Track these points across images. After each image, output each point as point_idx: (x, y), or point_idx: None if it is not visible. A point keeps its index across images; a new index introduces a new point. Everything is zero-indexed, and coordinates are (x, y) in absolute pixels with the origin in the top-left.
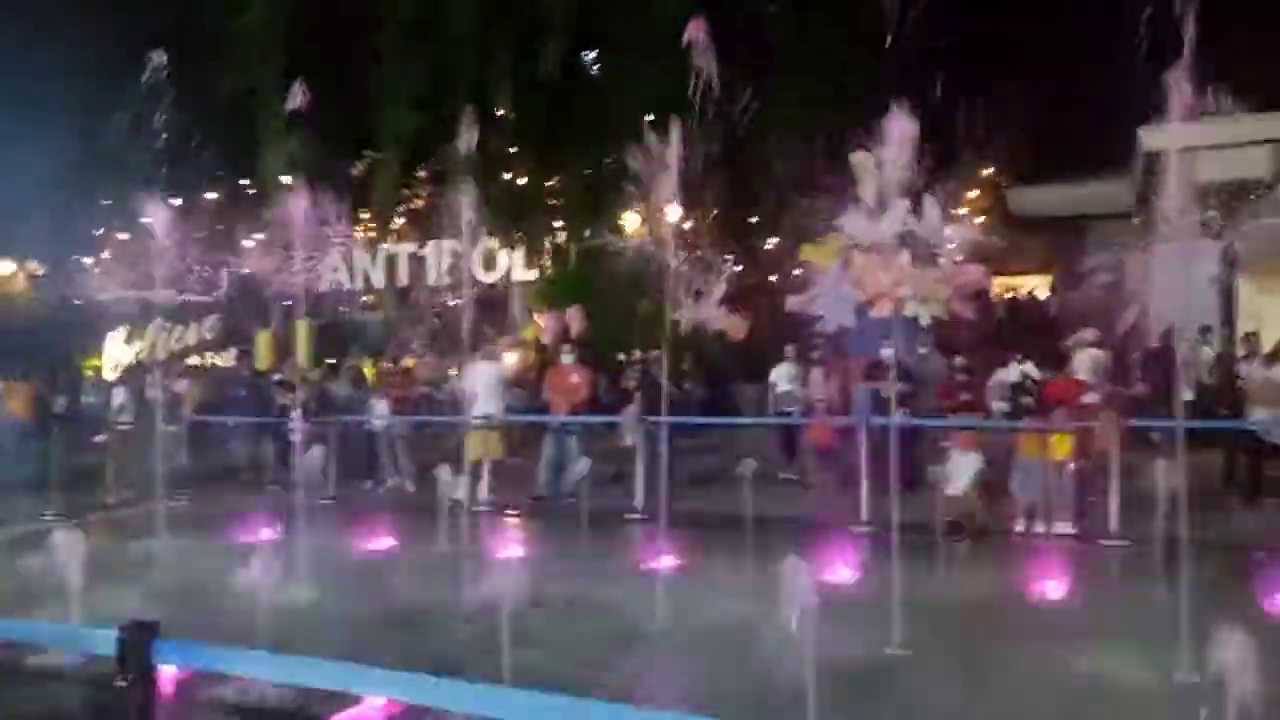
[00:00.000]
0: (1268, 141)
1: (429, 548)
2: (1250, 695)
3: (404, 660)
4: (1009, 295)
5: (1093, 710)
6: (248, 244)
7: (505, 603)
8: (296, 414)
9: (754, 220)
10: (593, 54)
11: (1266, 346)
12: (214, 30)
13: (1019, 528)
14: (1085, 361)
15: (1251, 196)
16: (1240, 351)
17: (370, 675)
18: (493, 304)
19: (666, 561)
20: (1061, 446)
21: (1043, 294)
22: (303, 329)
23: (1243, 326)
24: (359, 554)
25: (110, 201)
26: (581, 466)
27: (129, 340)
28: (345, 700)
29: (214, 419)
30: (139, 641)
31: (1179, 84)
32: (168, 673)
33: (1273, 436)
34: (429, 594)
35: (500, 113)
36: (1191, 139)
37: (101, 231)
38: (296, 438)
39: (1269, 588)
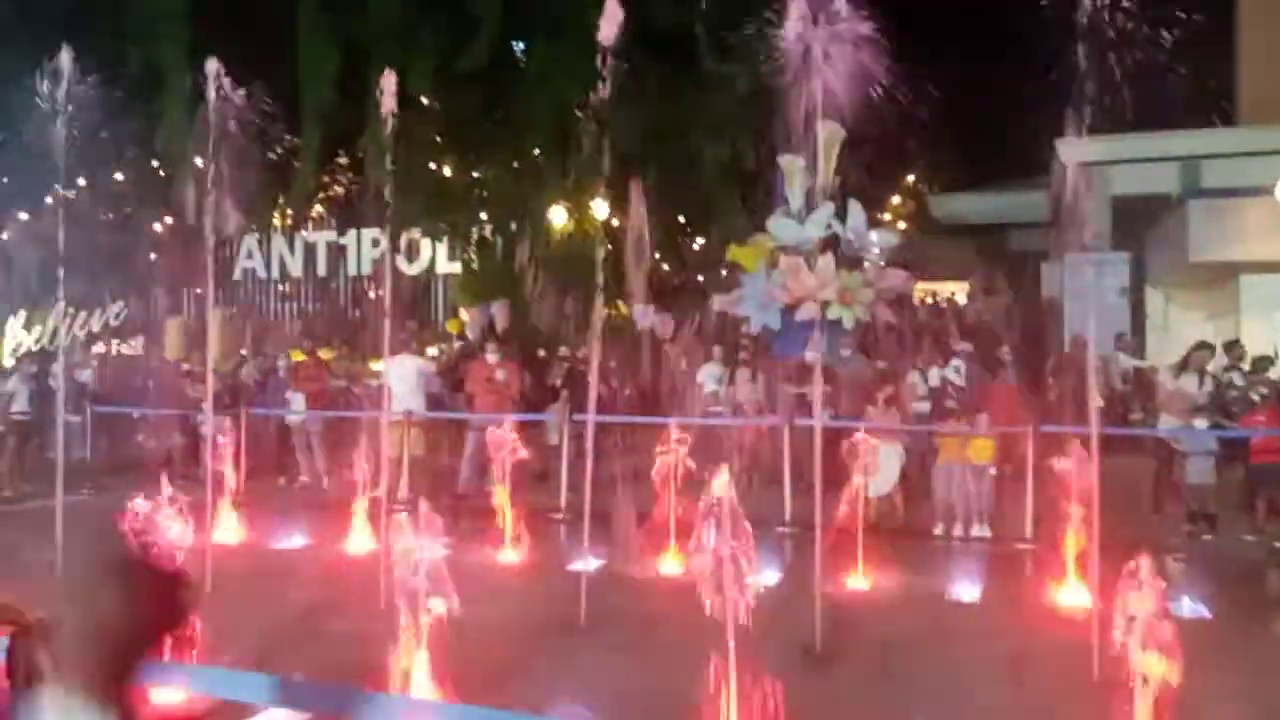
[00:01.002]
0: (1178, 158)
1: (341, 547)
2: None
3: (301, 665)
4: (930, 300)
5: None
6: (158, 228)
7: (415, 603)
8: (207, 405)
9: (681, 219)
10: (520, 45)
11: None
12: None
13: (937, 530)
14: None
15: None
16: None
17: (256, 682)
18: (414, 295)
19: (589, 560)
20: (982, 451)
21: (962, 299)
22: (215, 318)
23: (1151, 337)
24: (266, 553)
25: (7, 180)
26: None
27: (28, 325)
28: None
29: (120, 410)
30: (29, 648)
31: (1091, 99)
32: None
33: (1182, 445)
34: (333, 595)
35: (425, 101)
36: (1105, 153)
37: None
38: (206, 430)
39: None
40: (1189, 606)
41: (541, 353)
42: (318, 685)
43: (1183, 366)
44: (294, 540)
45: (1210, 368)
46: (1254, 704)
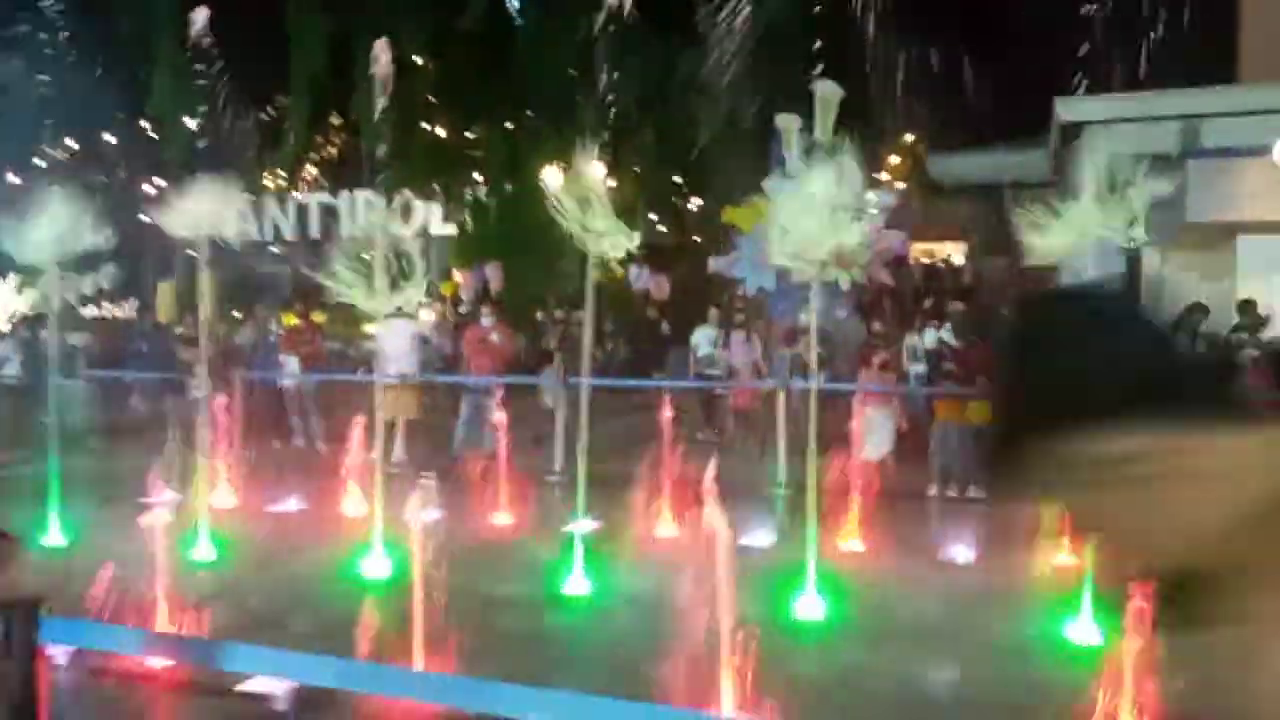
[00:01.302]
0: (1178, 117)
1: (336, 511)
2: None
3: (302, 632)
4: (926, 261)
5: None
6: (149, 188)
7: (411, 566)
8: (200, 370)
9: (677, 180)
10: (516, 5)
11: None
12: None
13: (932, 491)
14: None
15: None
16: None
17: (259, 655)
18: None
19: (583, 522)
20: (979, 412)
21: (959, 260)
22: (207, 280)
23: (1146, 296)
24: (262, 517)
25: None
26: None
27: (20, 289)
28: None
29: (113, 374)
30: (24, 620)
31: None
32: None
33: None
34: (332, 560)
35: (420, 61)
36: (1103, 113)
37: None
38: (199, 394)
39: None
40: None
41: (540, 315)
42: (302, 656)
43: (1175, 327)
44: (288, 504)
45: (1203, 328)
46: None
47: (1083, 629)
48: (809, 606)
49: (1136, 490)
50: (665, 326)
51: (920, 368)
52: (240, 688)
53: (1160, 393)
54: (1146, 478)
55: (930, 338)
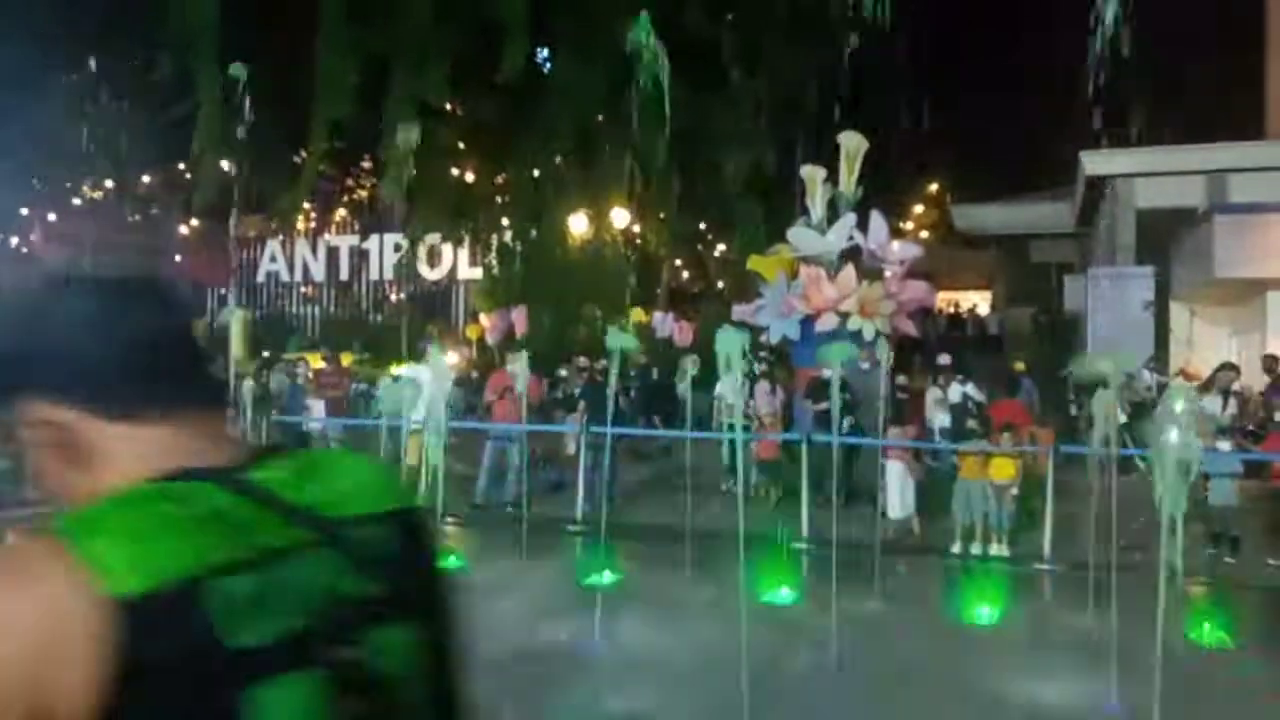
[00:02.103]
0: (1203, 172)
1: None
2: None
3: None
4: (951, 310)
5: None
6: (183, 229)
7: None
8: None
9: (702, 227)
10: (545, 53)
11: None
12: (153, 13)
13: (955, 548)
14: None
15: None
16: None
17: None
18: (434, 300)
19: (604, 575)
20: (1002, 470)
21: (984, 310)
22: (238, 320)
23: (1175, 353)
24: None
25: (41, 184)
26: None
27: None
28: None
29: None
30: None
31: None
32: None
33: (1204, 466)
34: None
35: (449, 107)
36: (1130, 166)
37: (27, 212)
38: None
39: (1186, 617)
40: (1209, 633)
41: (563, 371)
42: None
43: (1207, 386)
44: None
45: (1237, 386)
46: None
47: (1107, 692)
48: (830, 664)
49: None
50: (653, 372)
51: (944, 421)
52: None
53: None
54: None
55: (956, 392)
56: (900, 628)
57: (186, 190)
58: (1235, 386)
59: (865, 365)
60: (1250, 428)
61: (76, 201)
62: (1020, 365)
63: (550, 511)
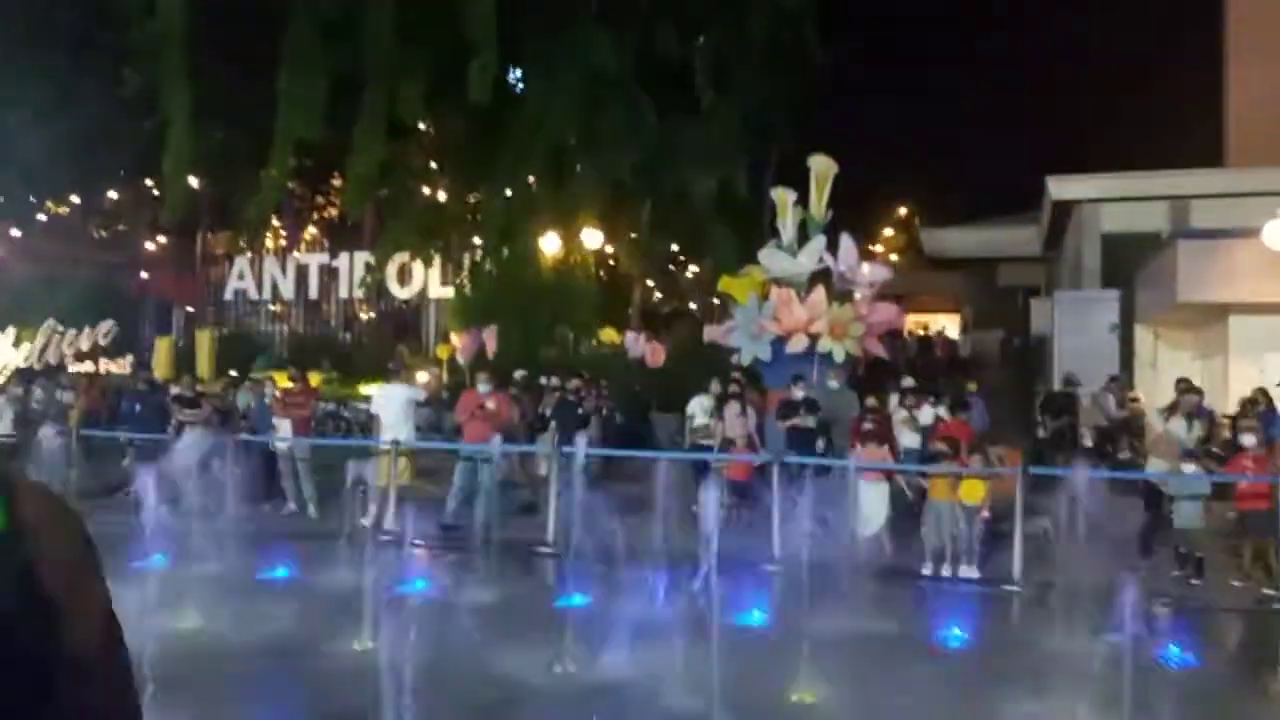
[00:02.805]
0: (1167, 198)
1: (325, 578)
2: None
3: (276, 701)
4: (920, 333)
5: None
6: (150, 246)
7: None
8: (194, 431)
9: (674, 248)
10: (517, 73)
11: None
12: (119, 30)
13: (926, 570)
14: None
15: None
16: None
17: None
18: (405, 319)
19: (574, 599)
20: (972, 492)
21: (954, 332)
22: (205, 338)
23: (1140, 375)
24: (250, 583)
25: (4, 199)
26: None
27: (16, 343)
28: None
29: (106, 434)
30: None
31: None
32: None
33: (1170, 488)
34: (316, 631)
35: (422, 126)
36: (1096, 191)
37: None
38: (191, 458)
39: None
40: (1175, 655)
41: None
42: None
43: (1172, 410)
44: (275, 571)
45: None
46: None
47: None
48: (799, 688)
49: None
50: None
51: (913, 442)
52: None
53: None
54: None
55: (927, 414)
56: (869, 649)
57: (153, 206)
58: (1204, 406)
59: (835, 384)
60: (1214, 449)
61: (41, 217)
62: (972, 386)
63: (520, 534)
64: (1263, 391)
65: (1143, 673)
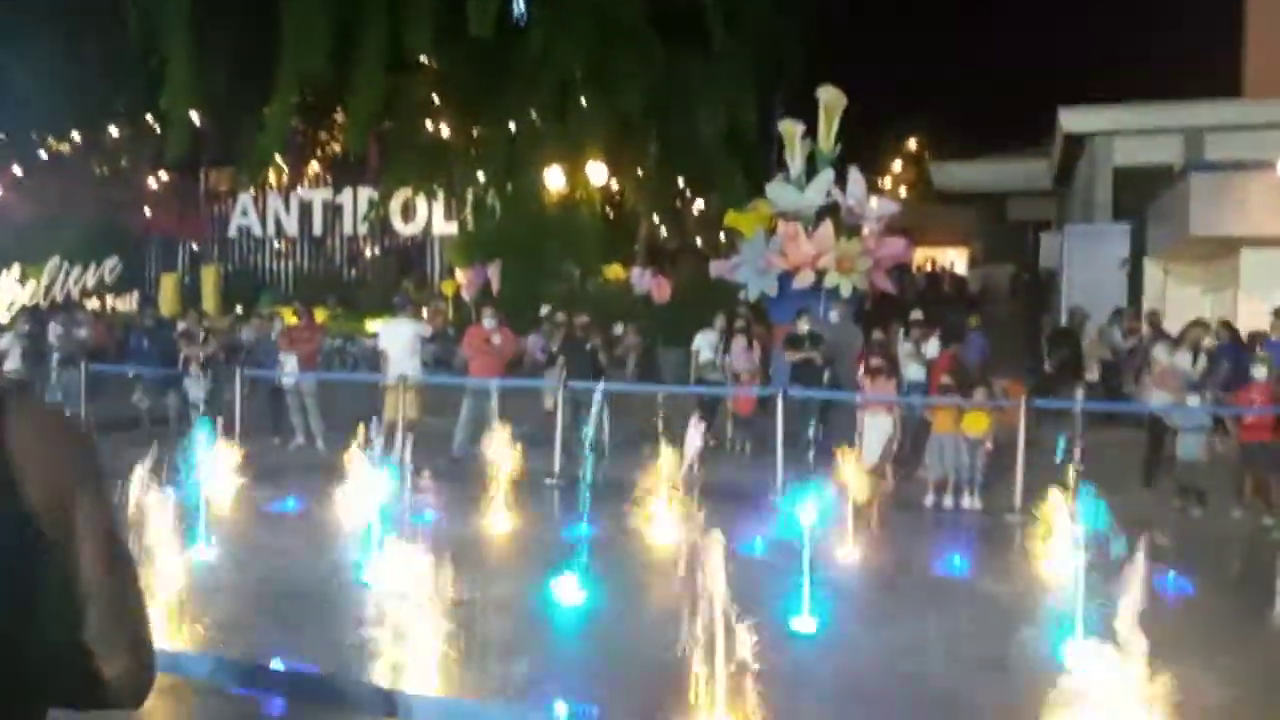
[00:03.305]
0: (1181, 130)
1: (334, 511)
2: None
3: (293, 632)
4: (928, 268)
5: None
6: (153, 183)
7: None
8: (199, 368)
9: (681, 183)
10: (522, 5)
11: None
12: None
13: (929, 501)
14: None
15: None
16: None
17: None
18: (409, 256)
19: (581, 526)
20: (975, 424)
21: (962, 267)
22: (210, 275)
23: (1147, 309)
24: (259, 515)
25: (5, 137)
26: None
27: (23, 281)
28: None
29: (114, 368)
30: None
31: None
32: None
33: (1173, 421)
34: (327, 562)
35: (424, 60)
36: (1108, 123)
37: None
38: (199, 393)
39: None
40: (1173, 582)
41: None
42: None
43: (1177, 343)
44: (286, 503)
45: (1208, 342)
46: (1231, 679)
47: (1071, 641)
48: (802, 613)
49: None
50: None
51: (918, 375)
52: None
53: None
54: None
55: (934, 348)
56: (872, 576)
57: (155, 143)
58: (1206, 342)
59: (835, 317)
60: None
61: (43, 155)
62: (973, 320)
63: (528, 465)
64: (1225, 324)
65: (1138, 598)
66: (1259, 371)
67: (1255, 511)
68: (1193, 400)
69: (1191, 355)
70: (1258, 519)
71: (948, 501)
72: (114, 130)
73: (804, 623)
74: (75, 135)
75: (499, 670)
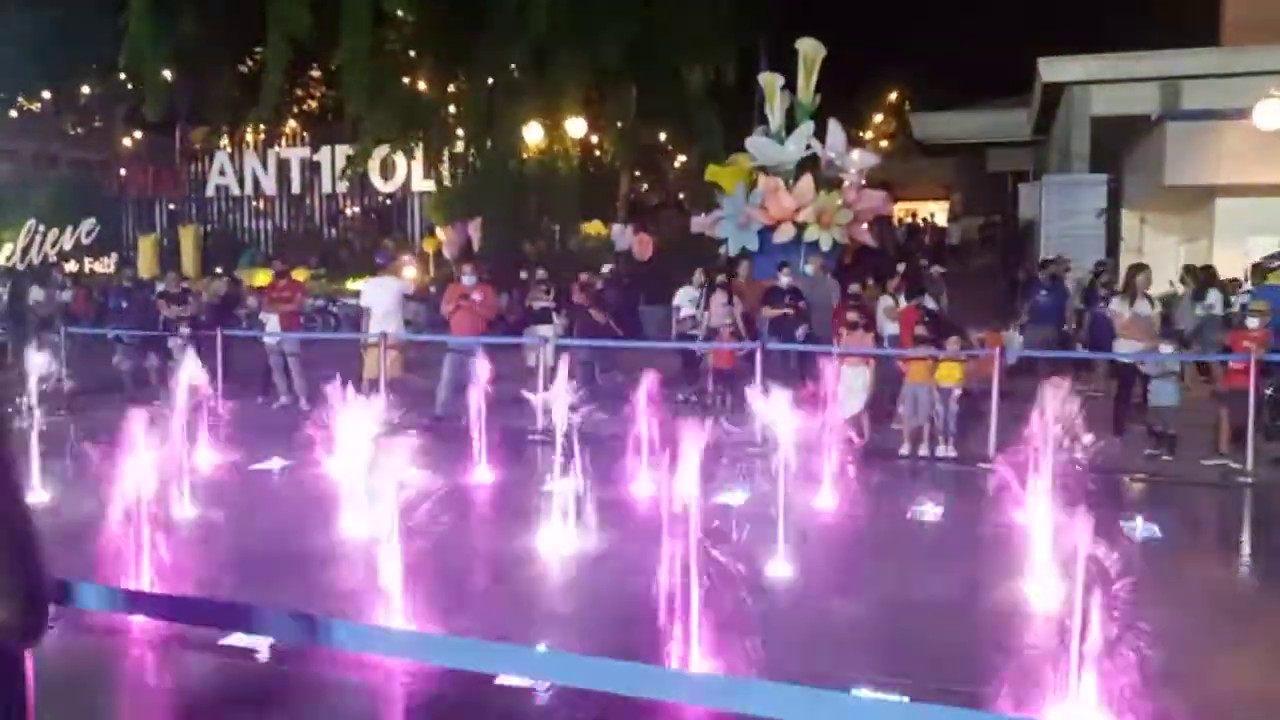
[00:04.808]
0: (1158, 79)
1: (319, 469)
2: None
3: (280, 587)
4: (909, 220)
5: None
6: (127, 142)
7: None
8: (181, 329)
9: (662, 137)
10: None
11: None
12: None
13: (904, 450)
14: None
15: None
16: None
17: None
18: (390, 214)
19: (562, 480)
20: (949, 374)
21: (943, 219)
22: (189, 235)
23: (1126, 259)
24: (242, 475)
25: None
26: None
27: None
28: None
29: (93, 331)
30: None
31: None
32: None
33: (1146, 367)
34: (313, 517)
35: (400, 13)
36: (1086, 73)
37: None
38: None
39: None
40: (1142, 527)
41: (523, 274)
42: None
43: (1126, 290)
44: (270, 461)
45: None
46: (1197, 624)
47: (1039, 585)
48: (781, 563)
49: None
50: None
51: (894, 329)
52: (223, 641)
53: None
54: None
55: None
56: (847, 524)
57: (129, 100)
58: (1149, 289)
59: (809, 270)
60: (1180, 328)
61: (13, 114)
62: (935, 270)
63: (511, 422)
64: (1188, 269)
65: (1106, 543)
66: (1252, 322)
67: (1230, 457)
68: (1166, 347)
69: (1147, 301)
70: (1227, 465)
71: (923, 450)
72: (85, 88)
73: (779, 569)
74: (45, 94)
75: (475, 612)
